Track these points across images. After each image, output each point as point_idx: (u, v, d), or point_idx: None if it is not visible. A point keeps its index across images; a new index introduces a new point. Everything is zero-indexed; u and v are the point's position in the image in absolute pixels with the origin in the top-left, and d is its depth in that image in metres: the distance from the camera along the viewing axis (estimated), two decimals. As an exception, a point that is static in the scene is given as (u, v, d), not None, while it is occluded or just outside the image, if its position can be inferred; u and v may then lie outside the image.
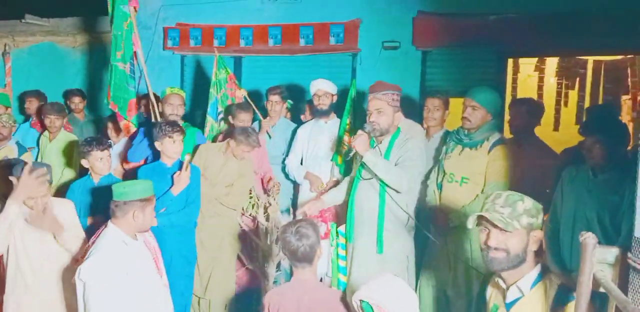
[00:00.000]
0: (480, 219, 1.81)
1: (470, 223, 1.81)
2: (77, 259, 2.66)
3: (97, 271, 2.22)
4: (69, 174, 4.03)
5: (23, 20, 5.52)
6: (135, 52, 3.94)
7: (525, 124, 3.61)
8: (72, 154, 4.10)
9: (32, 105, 4.72)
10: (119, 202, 2.36)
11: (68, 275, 2.39)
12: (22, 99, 4.98)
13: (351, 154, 3.05)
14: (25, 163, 2.58)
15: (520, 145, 3.41)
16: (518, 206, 1.75)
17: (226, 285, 3.60)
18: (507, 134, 3.74)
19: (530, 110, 3.64)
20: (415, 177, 3.06)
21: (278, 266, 3.85)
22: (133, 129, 3.91)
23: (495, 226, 1.75)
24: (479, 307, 2.90)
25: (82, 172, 3.67)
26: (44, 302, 2.69)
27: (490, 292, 1.93)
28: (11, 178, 2.60)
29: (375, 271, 2.98)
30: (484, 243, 1.80)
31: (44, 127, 4.44)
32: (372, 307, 1.85)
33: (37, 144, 4.41)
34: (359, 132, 3.00)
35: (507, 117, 3.88)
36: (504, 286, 1.82)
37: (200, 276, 3.53)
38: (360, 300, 1.91)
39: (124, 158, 3.82)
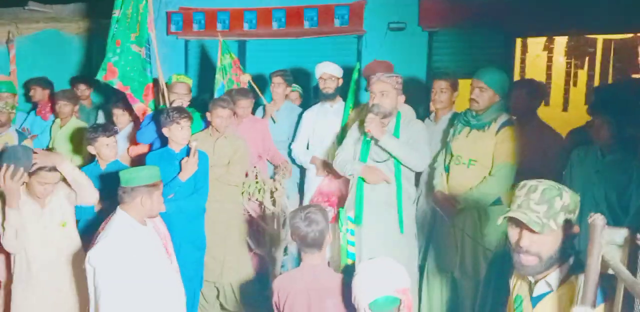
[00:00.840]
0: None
1: (500, 221, 1.62)
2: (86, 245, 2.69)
3: (107, 256, 2.24)
4: (78, 160, 4.06)
5: (26, 8, 5.49)
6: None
7: (527, 106, 3.54)
8: (81, 140, 4.12)
9: (36, 93, 4.73)
10: (127, 188, 2.38)
11: (76, 262, 2.43)
12: (26, 87, 4.99)
13: (369, 138, 3.04)
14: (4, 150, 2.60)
15: (523, 127, 3.37)
16: (556, 202, 1.55)
17: (242, 269, 3.62)
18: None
19: (531, 91, 3.57)
20: (427, 156, 3.13)
21: (285, 250, 3.88)
22: (149, 112, 3.89)
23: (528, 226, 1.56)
24: (487, 290, 2.92)
25: (90, 159, 3.68)
26: (51, 290, 2.73)
27: (515, 282, 1.82)
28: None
29: (390, 252, 3.00)
30: (515, 243, 1.62)
31: (54, 114, 4.46)
32: (397, 299, 1.81)
33: (50, 132, 4.42)
34: (370, 115, 2.97)
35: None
36: (531, 279, 1.68)
37: (215, 261, 3.54)
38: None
39: (131, 143, 3.83)
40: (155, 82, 3.96)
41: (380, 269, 1.87)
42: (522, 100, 3.53)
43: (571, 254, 1.64)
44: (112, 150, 3.24)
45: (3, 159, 2.58)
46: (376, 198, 3.11)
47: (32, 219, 2.67)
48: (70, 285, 2.77)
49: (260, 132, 3.99)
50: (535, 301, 1.68)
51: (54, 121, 4.43)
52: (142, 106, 3.89)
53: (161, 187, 2.51)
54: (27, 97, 4.98)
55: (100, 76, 3.81)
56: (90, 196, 2.88)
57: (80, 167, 3.58)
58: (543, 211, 1.55)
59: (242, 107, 3.90)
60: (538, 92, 3.67)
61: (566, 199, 1.57)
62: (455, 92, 3.61)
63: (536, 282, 1.68)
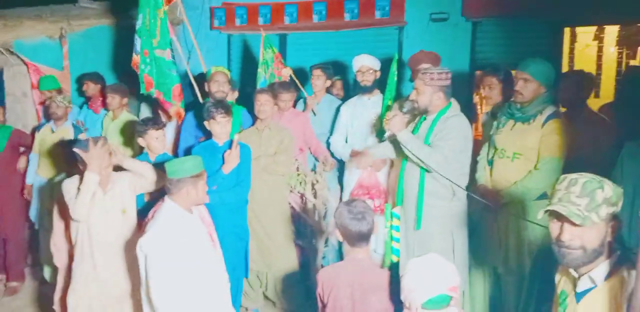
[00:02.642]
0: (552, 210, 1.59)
1: (541, 215, 1.61)
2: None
3: (158, 243, 2.35)
4: (128, 152, 4.21)
5: (77, 4, 5.69)
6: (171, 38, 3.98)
7: (575, 97, 3.44)
8: (132, 133, 4.27)
9: (89, 87, 4.92)
10: (172, 180, 2.47)
11: (133, 247, 2.54)
12: (79, 82, 5.20)
13: (387, 135, 3.05)
14: (87, 139, 2.76)
15: (574, 120, 3.27)
16: (597, 195, 1.53)
17: (287, 260, 3.68)
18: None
19: (579, 82, 3.45)
20: (446, 156, 2.94)
21: (326, 242, 3.92)
22: (183, 113, 4.00)
23: (569, 220, 1.54)
24: (532, 286, 2.87)
25: (140, 151, 3.82)
26: (108, 273, 2.87)
27: (559, 278, 1.81)
28: (76, 150, 2.77)
29: (418, 249, 3.00)
30: (556, 238, 1.61)
31: (105, 108, 4.63)
32: (449, 297, 1.81)
33: (101, 125, 4.61)
34: (394, 112, 2.98)
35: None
36: (575, 274, 1.66)
37: (260, 251, 3.62)
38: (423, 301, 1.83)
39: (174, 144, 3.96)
40: (200, 77, 4.07)
41: (432, 267, 1.85)
42: (571, 91, 3.43)
43: (617, 248, 1.61)
44: (161, 143, 3.35)
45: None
46: (412, 193, 3.09)
47: (94, 203, 2.80)
48: (124, 269, 2.90)
49: (302, 124, 4.04)
50: (579, 296, 1.66)
51: (105, 114, 4.61)
52: (175, 108, 4.00)
53: (205, 176, 2.59)
54: (80, 92, 5.19)
55: (143, 90, 4.00)
56: (151, 185, 3.02)
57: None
58: (584, 204, 1.53)
59: (284, 100, 3.95)
60: (587, 83, 3.56)
61: (608, 192, 1.55)
62: (507, 87, 3.48)
63: (580, 277, 1.65)
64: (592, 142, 3.22)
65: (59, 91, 4.81)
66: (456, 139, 2.98)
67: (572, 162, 2.92)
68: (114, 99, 4.42)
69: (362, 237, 2.21)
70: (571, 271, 1.68)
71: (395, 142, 3.21)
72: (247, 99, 4.01)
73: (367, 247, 2.27)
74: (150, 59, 3.95)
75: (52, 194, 3.78)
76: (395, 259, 3.25)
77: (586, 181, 1.56)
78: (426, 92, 3.01)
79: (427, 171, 3.00)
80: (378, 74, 3.94)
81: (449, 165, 2.95)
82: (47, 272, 4.18)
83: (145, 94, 4.03)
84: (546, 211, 1.60)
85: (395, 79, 3.79)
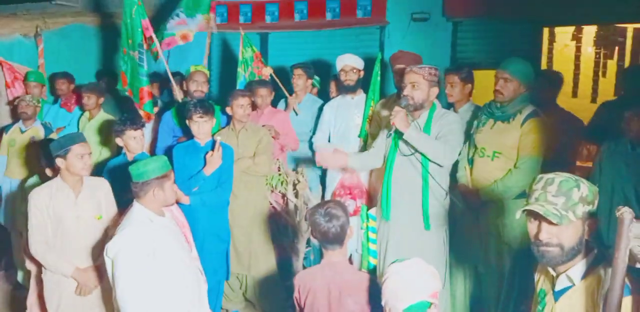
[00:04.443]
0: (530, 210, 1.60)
1: (518, 215, 1.61)
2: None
3: (124, 248, 2.28)
4: (106, 153, 4.14)
5: (53, 2, 5.59)
6: (146, 37, 3.99)
7: (545, 96, 3.50)
8: (110, 133, 4.20)
9: (63, 86, 4.84)
10: (138, 183, 2.41)
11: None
12: (52, 80, 5.10)
13: (391, 132, 2.99)
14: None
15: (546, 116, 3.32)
16: (573, 194, 1.54)
17: (266, 261, 3.65)
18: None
19: (548, 80, 3.53)
20: (456, 150, 2.99)
21: (308, 242, 3.90)
22: (152, 116, 3.98)
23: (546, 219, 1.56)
24: (511, 285, 2.89)
25: (118, 151, 3.76)
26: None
27: (538, 277, 1.83)
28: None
29: (419, 250, 2.98)
30: (534, 237, 1.62)
31: (80, 107, 4.56)
32: (429, 303, 1.78)
33: (77, 124, 4.52)
34: (396, 108, 2.93)
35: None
36: (553, 273, 1.69)
37: (239, 254, 3.58)
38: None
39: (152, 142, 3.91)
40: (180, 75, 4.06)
41: (415, 273, 1.82)
42: (541, 90, 3.48)
43: (594, 246, 1.63)
44: (139, 142, 3.29)
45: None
46: (407, 193, 3.06)
47: (66, 207, 2.73)
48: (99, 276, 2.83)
49: (281, 122, 4.00)
50: (557, 295, 1.67)
51: (82, 114, 4.52)
52: (140, 110, 3.99)
53: (172, 176, 2.49)
54: (52, 90, 5.10)
55: (120, 86, 4.06)
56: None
57: (109, 159, 3.67)
58: (561, 203, 1.55)
59: (261, 95, 3.92)
60: (554, 80, 3.62)
61: (584, 190, 1.56)
62: (467, 85, 3.57)
63: (558, 276, 1.67)
64: (567, 138, 3.27)
65: (43, 87, 4.76)
66: (459, 133, 3.01)
67: (551, 160, 2.95)
68: (90, 99, 4.34)
69: (333, 239, 2.19)
70: (549, 269, 1.69)
71: (378, 147, 3.16)
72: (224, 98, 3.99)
73: (342, 249, 2.24)
74: (127, 58, 3.98)
75: (24, 196, 3.69)
76: (372, 260, 3.23)
77: (562, 180, 1.57)
78: (424, 87, 2.98)
79: (429, 171, 2.98)
80: (361, 73, 3.93)
81: (456, 159, 2.99)
82: (20, 276, 4.09)
83: (120, 90, 4.09)
84: (524, 211, 1.60)
85: (379, 78, 3.78)
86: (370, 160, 3.23)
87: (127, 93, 4.02)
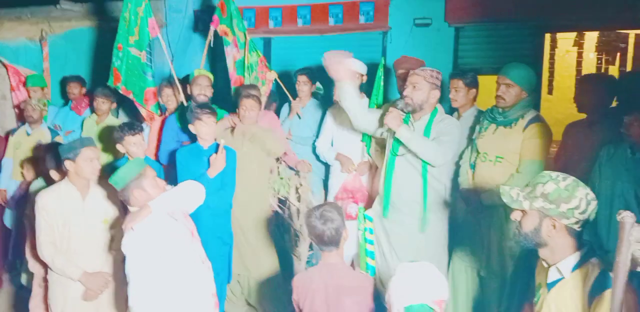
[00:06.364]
0: None
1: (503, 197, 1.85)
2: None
3: (135, 244, 2.30)
4: (110, 157, 4.15)
5: (58, 6, 5.63)
6: (152, 38, 3.95)
7: (596, 102, 3.29)
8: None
9: (75, 90, 4.85)
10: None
11: (115, 258, 2.48)
12: (64, 83, 5.12)
13: (384, 131, 3.03)
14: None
15: (594, 124, 3.23)
16: (537, 188, 1.76)
17: (268, 264, 3.66)
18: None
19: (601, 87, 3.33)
20: (450, 151, 3.02)
21: (310, 246, 3.91)
22: (157, 117, 3.97)
23: None
24: (514, 288, 2.89)
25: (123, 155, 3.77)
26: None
27: (538, 271, 1.93)
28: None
29: (417, 250, 3.00)
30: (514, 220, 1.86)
31: (91, 110, 4.57)
32: (431, 309, 1.78)
33: (81, 127, 4.53)
34: (390, 108, 2.98)
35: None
36: (545, 265, 1.82)
37: (242, 256, 3.59)
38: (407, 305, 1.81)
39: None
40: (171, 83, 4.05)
41: (422, 275, 1.84)
42: (592, 96, 3.38)
43: (586, 242, 1.76)
44: (139, 148, 3.31)
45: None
46: (407, 194, 3.08)
47: (73, 210, 2.75)
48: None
49: (270, 123, 4.01)
50: (549, 286, 1.77)
51: (88, 116, 4.54)
52: (145, 111, 3.98)
53: (148, 173, 2.44)
54: (63, 94, 5.12)
55: (111, 82, 3.96)
56: None
57: (113, 162, 3.69)
58: (527, 192, 1.78)
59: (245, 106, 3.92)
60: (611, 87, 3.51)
61: (548, 188, 1.73)
62: (472, 90, 3.58)
63: (549, 268, 1.78)
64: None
65: (44, 90, 4.76)
66: (455, 135, 3.03)
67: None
68: (104, 104, 4.36)
69: (329, 242, 2.21)
70: (542, 262, 1.82)
71: (380, 145, 3.20)
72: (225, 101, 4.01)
73: (339, 251, 2.26)
74: (122, 54, 3.90)
75: (29, 198, 3.70)
76: (370, 261, 3.24)
77: (540, 175, 1.79)
78: (424, 89, 3.01)
79: (428, 171, 3.01)
80: (364, 78, 3.95)
81: (451, 160, 3.03)
82: (24, 278, 4.09)
83: (112, 87, 4.00)
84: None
85: (382, 83, 3.81)
86: (366, 113, 3.21)
87: (120, 90, 3.95)
